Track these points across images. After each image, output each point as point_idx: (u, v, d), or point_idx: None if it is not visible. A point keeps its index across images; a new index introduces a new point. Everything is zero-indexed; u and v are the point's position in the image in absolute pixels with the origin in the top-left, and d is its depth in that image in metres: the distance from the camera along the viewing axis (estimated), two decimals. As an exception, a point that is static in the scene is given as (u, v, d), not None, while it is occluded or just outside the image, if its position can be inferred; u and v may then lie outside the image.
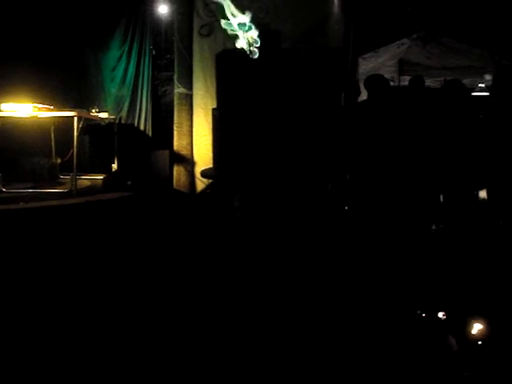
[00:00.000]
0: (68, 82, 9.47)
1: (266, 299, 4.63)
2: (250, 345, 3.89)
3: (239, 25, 5.78)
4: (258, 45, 5.73)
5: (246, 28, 5.74)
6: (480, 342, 4.05)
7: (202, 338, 3.97)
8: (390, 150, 6.25)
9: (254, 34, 5.74)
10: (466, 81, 9.02)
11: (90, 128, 8.92)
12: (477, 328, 4.17)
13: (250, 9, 8.41)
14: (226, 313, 4.38)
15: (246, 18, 5.77)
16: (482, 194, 6.75)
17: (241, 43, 5.77)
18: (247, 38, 5.72)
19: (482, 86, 10.50)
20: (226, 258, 5.56)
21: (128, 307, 4.49)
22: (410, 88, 6.87)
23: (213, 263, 5.51)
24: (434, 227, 6.58)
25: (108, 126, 9.06)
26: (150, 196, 7.70)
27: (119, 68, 9.89)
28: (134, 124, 9.80)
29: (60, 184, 7.98)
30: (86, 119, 8.03)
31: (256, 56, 5.74)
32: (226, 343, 3.91)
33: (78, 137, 7.40)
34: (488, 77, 9.42)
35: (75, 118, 7.29)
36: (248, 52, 5.74)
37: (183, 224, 6.95)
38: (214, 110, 6.60)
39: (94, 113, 8.51)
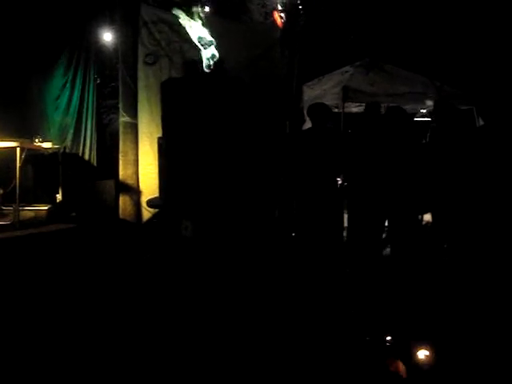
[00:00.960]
0: (10, 110, 9.27)
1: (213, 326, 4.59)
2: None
3: (199, 38, 5.82)
4: (215, 59, 5.76)
5: (205, 42, 5.77)
6: (427, 368, 4.09)
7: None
8: (333, 176, 6.33)
9: (212, 49, 5.78)
10: (408, 107, 9.21)
11: (34, 158, 8.72)
12: (424, 353, 4.20)
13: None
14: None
15: (205, 33, 5.80)
16: (427, 217, 6.86)
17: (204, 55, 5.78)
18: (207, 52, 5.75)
19: (424, 111, 10.73)
20: (174, 287, 5.49)
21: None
22: (366, 114, 6.94)
23: (160, 292, 5.44)
24: (379, 251, 6.64)
25: (52, 155, 8.89)
26: (96, 227, 7.58)
27: (63, 97, 9.73)
28: (78, 153, 9.64)
29: (2, 216, 7.75)
30: (29, 149, 7.88)
31: (209, 69, 5.77)
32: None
33: (20, 167, 7.25)
34: (429, 102, 9.62)
35: (18, 149, 7.15)
36: (206, 65, 5.75)
37: (129, 254, 6.85)
38: (159, 138, 6.56)
39: (37, 142, 8.36)
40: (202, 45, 5.85)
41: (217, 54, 5.79)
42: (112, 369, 3.97)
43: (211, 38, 5.82)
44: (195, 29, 5.83)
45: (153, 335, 4.50)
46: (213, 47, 5.80)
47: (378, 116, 6.89)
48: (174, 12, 6.11)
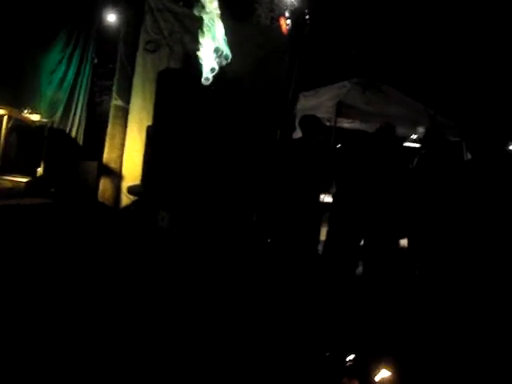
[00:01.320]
0: (2, 80, 9.19)
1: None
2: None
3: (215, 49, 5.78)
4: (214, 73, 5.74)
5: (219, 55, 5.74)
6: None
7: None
8: (316, 188, 6.33)
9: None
10: (399, 130, 9.24)
11: (20, 129, 8.64)
12: (384, 374, 4.20)
13: (196, 30, 8.44)
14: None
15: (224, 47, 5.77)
16: (403, 242, 6.88)
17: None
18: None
19: (414, 137, 10.79)
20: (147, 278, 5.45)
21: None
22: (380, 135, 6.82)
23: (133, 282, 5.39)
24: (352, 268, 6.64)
25: (39, 128, 8.82)
26: (73, 206, 7.51)
27: (58, 72, 9.66)
28: (65, 130, 9.55)
29: (-22, 182, 7.71)
30: (16, 119, 7.81)
31: (209, 82, 5.73)
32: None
33: (4, 136, 7.19)
34: (421, 129, 9.67)
35: (5, 117, 7.08)
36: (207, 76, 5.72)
37: (103, 238, 6.79)
38: (148, 127, 6.54)
39: (25, 114, 8.29)
40: (217, 56, 5.80)
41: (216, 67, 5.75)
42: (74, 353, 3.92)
43: (229, 53, 5.79)
44: (217, 34, 5.75)
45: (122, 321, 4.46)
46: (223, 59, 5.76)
47: (392, 138, 6.77)
48: (195, 12, 6.04)
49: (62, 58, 9.67)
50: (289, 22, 8.24)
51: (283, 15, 8.48)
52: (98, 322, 4.41)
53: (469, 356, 4.60)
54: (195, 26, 8.54)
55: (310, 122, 6.59)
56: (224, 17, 6.18)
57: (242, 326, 4.73)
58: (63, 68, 9.70)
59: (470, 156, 8.77)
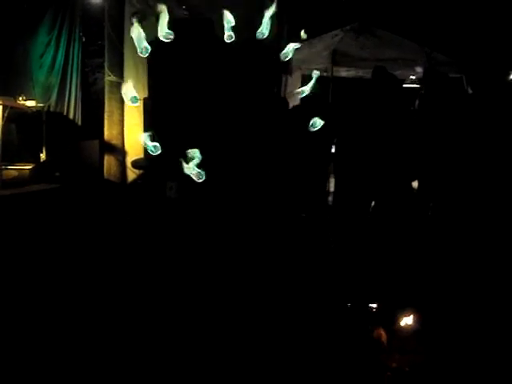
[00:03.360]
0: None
1: (198, 295, 4.56)
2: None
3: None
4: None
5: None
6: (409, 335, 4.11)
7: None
8: (321, 141, 6.28)
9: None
10: (397, 72, 9.12)
11: (17, 116, 8.59)
12: (407, 321, 4.21)
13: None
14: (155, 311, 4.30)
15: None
16: (414, 184, 6.84)
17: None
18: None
19: (413, 78, 10.67)
20: (160, 251, 5.45)
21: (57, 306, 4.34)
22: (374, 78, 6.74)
23: (146, 256, 5.40)
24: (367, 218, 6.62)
25: (36, 114, 8.77)
26: (80, 187, 7.51)
27: (47, 55, 9.57)
28: (62, 112, 9.53)
29: (-16, 175, 7.68)
30: (12, 107, 7.76)
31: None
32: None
33: (3, 125, 7.15)
34: (419, 69, 9.57)
35: (0, 107, 7.04)
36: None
37: (113, 215, 6.80)
38: (145, 99, 6.46)
39: (20, 101, 8.24)
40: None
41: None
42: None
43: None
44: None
45: (138, 302, 4.47)
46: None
47: (387, 80, 6.68)
48: None
49: (50, 40, 9.57)
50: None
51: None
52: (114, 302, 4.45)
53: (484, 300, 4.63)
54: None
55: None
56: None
57: (259, 289, 4.75)
58: (52, 50, 9.61)
59: (470, 90, 8.72)
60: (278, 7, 7.81)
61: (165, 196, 6.01)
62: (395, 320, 4.21)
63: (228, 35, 5.09)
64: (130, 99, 3.96)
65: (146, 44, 4.24)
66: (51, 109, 9.37)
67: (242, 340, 3.86)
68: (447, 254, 5.50)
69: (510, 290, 4.75)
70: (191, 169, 4.18)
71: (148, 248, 5.51)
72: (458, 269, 5.20)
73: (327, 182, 6.82)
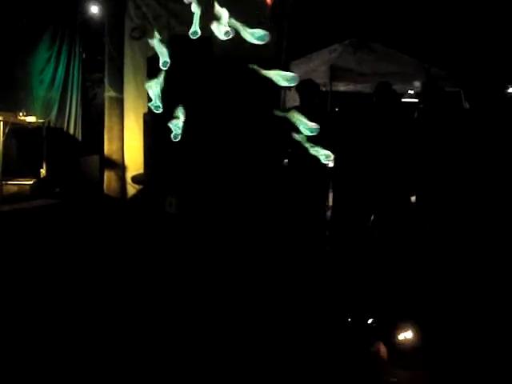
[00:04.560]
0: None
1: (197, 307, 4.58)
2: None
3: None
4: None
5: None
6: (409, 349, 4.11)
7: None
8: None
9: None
10: (395, 87, 9.14)
11: (18, 132, 8.63)
12: (407, 335, 4.22)
13: (181, 12, 8.30)
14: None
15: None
16: (412, 198, 6.86)
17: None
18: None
19: (412, 92, 10.72)
20: (159, 264, 5.47)
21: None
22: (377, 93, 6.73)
23: (145, 270, 5.41)
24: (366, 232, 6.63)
25: (36, 129, 8.81)
26: (80, 203, 7.53)
27: (48, 70, 9.61)
28: (63, 128, 9.55)
29: (-15, 190, 7.71)
30: (12, 123, 7.80)
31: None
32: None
33: (4, 141, 7.18)
34: (417, 84, 9.62)
35: (1, 123, 7.07)
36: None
37: (114, 231, 6.81)
38: (145, 114, 6.50)
39: (21, 116, 8.28)
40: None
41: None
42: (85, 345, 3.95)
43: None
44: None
45: (138, 313, 4.49)
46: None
47: (390, 95, 6.69)
48: None
49: (50, 56, 9.62)
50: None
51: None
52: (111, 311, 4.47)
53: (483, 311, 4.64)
54: (180, 9, 8.46)
55: (308, 86, 6.54)
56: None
57: (257, 303, 4.76)
58: (52, 66, 9.65)
59: (468, 105, 8.76)
60: (276, 23, 7.90)
61: (164, 211, 6.03)
62: (395, 334, 4.21)
63: (225, 31, 5.02)
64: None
65: (167, 58, 4.30)
66: (51, 124, 9.39)
67: (241, 356, 3.87)
68: (445, 268, 5.52)
69: (508, 305, 4.76)
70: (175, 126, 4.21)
71: (147, 263, 5.53)
72: (457, 282, 5.22)
73: (326, 196, 6.83)
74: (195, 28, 4.07)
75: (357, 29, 11.24)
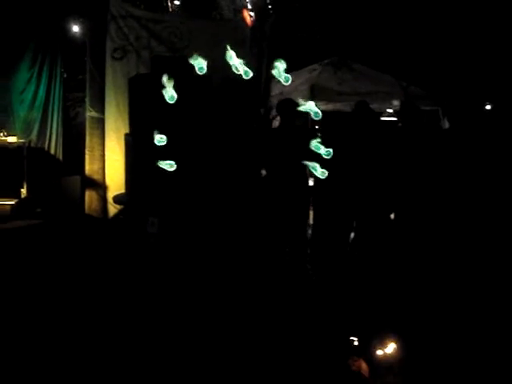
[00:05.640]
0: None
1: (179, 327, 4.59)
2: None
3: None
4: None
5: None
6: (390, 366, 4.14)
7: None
8: (301, 174, 6.35)
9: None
10: (375, 105, 9.27)
11: (-2, 151, 8.63)
12: (387, 351, 4.25)
13: (161, 33, 8.38)
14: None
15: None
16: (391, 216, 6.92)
17: None
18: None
19: (390, 111, 10.82)
20: (142, 283, 5.47)
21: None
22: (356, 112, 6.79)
23: (128, 289, 5.41)
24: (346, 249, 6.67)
25: (17, 149, 8.78)
26: (62, 223, 7.51)
27: (28, 91, 9.57)
28: (44, 148, 9.50)
29: (-36, 210, 7.68)
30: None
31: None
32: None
33: (-16, 161, 7.16)
34: (396, 102, 9.71)
35: (-19, 143, 7.06)
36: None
37: (95, 251, 6.79)
38: (126, 135, 6.53)
39: (1, 137, 8.27)
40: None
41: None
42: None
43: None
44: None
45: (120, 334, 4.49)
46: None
47: (368, 114, 6.76)
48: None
49: (31, 76, 9.58)
50: (252, 13, 8.23)
51: (245, 7, 8.47)
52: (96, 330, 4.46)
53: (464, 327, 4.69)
54: (160, 30, 8.54)
55: (288, 106, 6.58)
56: (187, 15, 6.06)
57: (241, 318, 4.77)
58: (33, 86, 9.61)
59: (447, 123, 8.87)
60: (258, 46, 7.96)
61: (146, 231, 6.04)
62: (376, 351, 4.24)
63: (245, 71, 4.86)
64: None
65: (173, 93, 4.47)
66: (32, 144, 9.35)
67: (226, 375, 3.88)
68: (424, 284, 5.57)
69: (490, 320, 4.81)
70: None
71: (129, 282, 5.53)
72: (437, 298, 5.27)
73: (307, 214, 6.87)
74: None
75: (335, 49, 11.35)
